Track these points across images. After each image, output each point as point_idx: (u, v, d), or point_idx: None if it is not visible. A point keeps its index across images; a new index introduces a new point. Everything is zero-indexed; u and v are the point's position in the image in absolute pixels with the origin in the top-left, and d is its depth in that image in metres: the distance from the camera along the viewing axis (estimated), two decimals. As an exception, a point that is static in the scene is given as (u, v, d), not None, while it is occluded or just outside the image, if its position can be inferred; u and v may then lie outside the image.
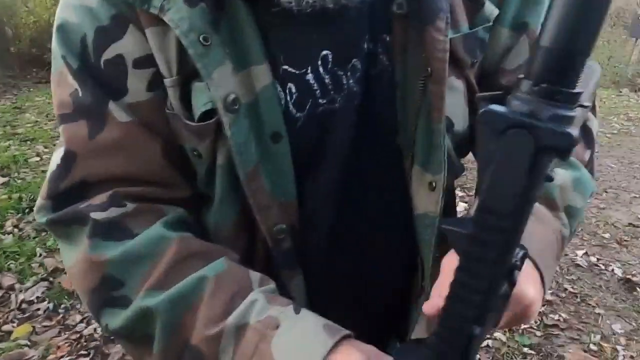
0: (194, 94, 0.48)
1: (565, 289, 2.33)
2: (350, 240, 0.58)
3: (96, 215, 0.48)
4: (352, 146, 0.53)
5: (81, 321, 1.96)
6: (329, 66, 0.49)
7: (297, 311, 0.45)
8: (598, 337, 2.01)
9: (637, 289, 2.39)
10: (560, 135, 0.26)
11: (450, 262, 0.45)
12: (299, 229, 0.53)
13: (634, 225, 3.14)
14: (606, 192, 3.72)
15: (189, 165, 0.52)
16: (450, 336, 0.34)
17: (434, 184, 0.52)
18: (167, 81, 0.48)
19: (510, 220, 0.29)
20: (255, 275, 0.49)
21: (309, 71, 0.49)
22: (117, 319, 0.48)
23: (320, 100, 0.50)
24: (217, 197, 0.51)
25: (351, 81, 0.51)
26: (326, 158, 0.52)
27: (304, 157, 0.51)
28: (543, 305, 2.22)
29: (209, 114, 0.47)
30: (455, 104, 0.52)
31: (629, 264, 2.65)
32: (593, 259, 2.66)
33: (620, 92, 7.52)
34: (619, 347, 1.97)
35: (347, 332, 0.43)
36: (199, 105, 0.47)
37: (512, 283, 0.35)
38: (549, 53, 0.26)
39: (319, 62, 0.49)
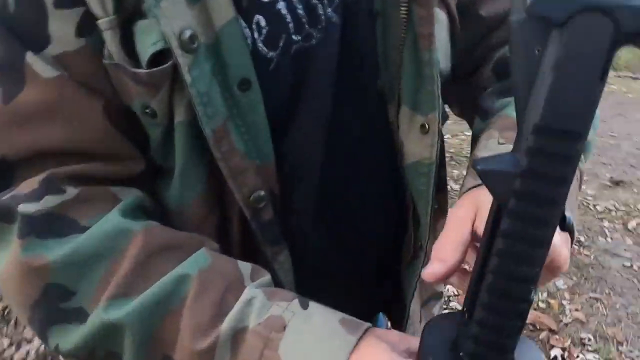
0: (139, 36, 0.37)
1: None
2: (337, 203, 0.50)
3: (27, 207, 0.37)
4: (333, 93, 0.45)
5: (10, 345, 1.75)
6: None
7: (304, 306, 0.37)
8: (545, 294, 2.10)
9: (575, 245, 2.53)
10: None
11: (459, 214, 0.38)
12: (280, 195, 0.45)
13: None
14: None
15: (140, 130, 0.42)
16: (500, 304, 0.26)
17: (426, 125, 0.45)
18: (102, 22, 0.37)
19: (577, 140, 0.22)
20: (245, 267, 0.40)
21: None
22: (71, 337, 0.38)
23: (294, 37, 0.42)
24: (178, 167, 0.41)
25: (329, 10, 0.43)
26: (304, 109, 0.44)
27: (278, 108, 0.42)
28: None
29: (161, 57, 0.37)
30: (437, 39, 0.44)
31: (562, 223, 2.80)
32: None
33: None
34: (564, 302, 2.07)
35: (367, 324, 0.37)
36: (147, 46, 0.37)
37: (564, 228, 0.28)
38: None
39: None
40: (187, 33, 0.36)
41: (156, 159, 0.44)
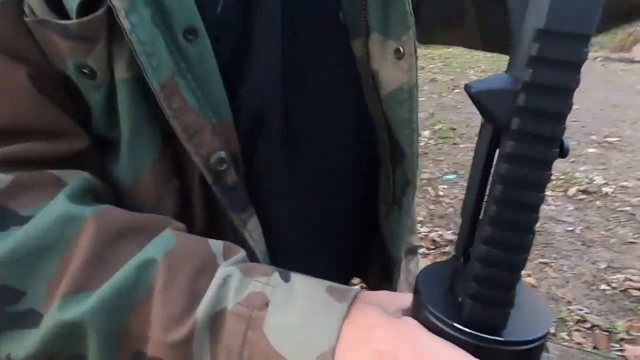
0: None
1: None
2: (304, 156, 0.47)
3: None
4: (287, 33, 0.41)
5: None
6: None
7: (286, 278, 0.34)
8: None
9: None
10: None
11: None
12: (242, 154, 0.41)
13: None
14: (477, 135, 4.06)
15: (77, 99, 0.37)
16: (505, 236, 0.24)
17: (401, 49, 0.42)
18: None
19: (584, 44, 0.20)
20: (217, 245, 0.36)
21: None
22: (25, 343, 0.33)
23: None
24: (125, 133, 0.37)
25: None
26: (256, 56, 0.40)
27: (229, 57, 0.38)
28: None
29: (91, 6, 0.33)
30: None
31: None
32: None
33: (471, 48, 8.27)
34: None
35: (355, 289, 0.34)
36: None
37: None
38: None
39: None
40: None
41: (100, 130, 0.39)
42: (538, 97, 0.21)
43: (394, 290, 0.56)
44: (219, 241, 0.37)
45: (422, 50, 8.90)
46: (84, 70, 0.35)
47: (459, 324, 0.27)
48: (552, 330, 1.78)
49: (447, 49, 8.97)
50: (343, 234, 0.56)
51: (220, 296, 0.32)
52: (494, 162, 0.25)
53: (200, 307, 0.32)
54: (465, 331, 0.27)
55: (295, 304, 0.32)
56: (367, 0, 0.41)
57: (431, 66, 7.31)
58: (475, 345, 0.26)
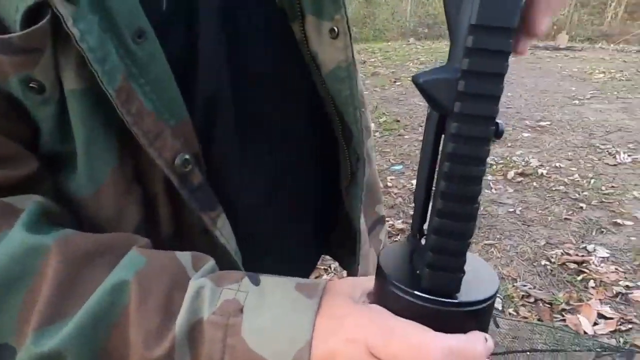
0: None
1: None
2: (261, 141, 0.47)
3: None
4: (231, 21, 0.41)
5: None
6: None
7: (255, 282, 0.35)
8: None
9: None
10: None
11: None
12: (204, 154, 0.41)
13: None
14: (421, 126, 4.18)
15: (22, 119, 0.35)
16: (455, 208, 0.27)
17: (335, 29, 0.43)
18: None
19: (509, 35, 0.24)
20: (185, 257, 0.36)
21: None
22: None
23: None
24: (81, 145, 0.35)
25: None
26: (204, 47, 0.40)
27: (178, 53, 0.38)
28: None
29: (32, 18, 0.31)
30: None
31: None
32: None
33: (409, 41, 8.51)
34: (464, 252, 2.25)
35: (322, 283, 0.35)
36: (14, 2, 0.30)
37: None
38: None
39: None
40: None
41: (51, 146, 0.37)
42: (475, 83, 0.24)
43: (359, 262, 0.58)
44: (187, 253, 0.37)
45: (362, 45, 9.05)
46: (32, 85, 0.33)
47: (420, 292, 0.30)
48: (500, 307, 1.87)
49: (387, 42, 9.15)
50: (310, 213, 0.57)
51: (195, 308, 0.33)
52: (441, 145, 0.28)
53: (177, 321, 0.32)
54: (426, 297, 0.30)
55: (268, 306, 0.33)
56: None
57: (372, 60, 7.44)
58: (436, 309, 0.30)
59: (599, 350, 1.46)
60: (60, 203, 0.38)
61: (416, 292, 0.30)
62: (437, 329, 0.30)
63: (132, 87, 0.34)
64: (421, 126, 4.17)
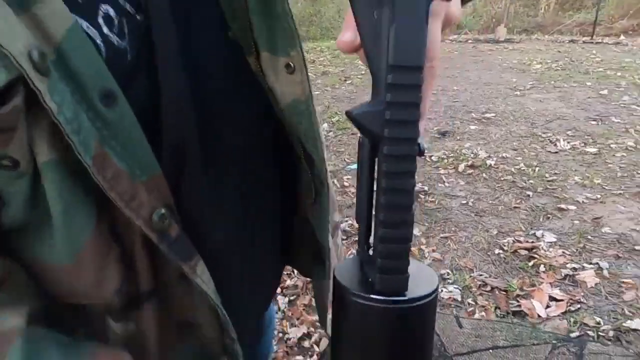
0: None
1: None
2: (228, 177, 0.47)
3: None
4: (192, 63, 0.41)
5: None
6: None
7: None
8: (406, 244, 2.32)
9: (420, 195, 2.83)
10: None
11: None
12: (177, 204, 0.40)
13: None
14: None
15: None
16: (394, 217, 0.32)
17: (291, 64, 0.44)
18: None
19: (419, 71, 0.30)
20: None
21: None
22: None
23: (138, 17, 0.37)
24: (58, 217, 0.34)
25: None
26: (167, 92, 0.39)
27: (143, 103, 0.37)
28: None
29: (5, 92, 0.29)
30: None
31: (407, 177, 3.11)
32: (381, 182, 3.04)
33: (356, 39, 8.58)
34: (422, 247, 2.32)
35: None
36: None
37: None
38: None
39: None
40: (36, 52, 0.29)
41: (17, 219, 0.35)
42: (398, 112, 0.30)
43: (328, 277, 0.60)
44: None
45: (310, 44, 9.06)
46: (4, 162, 0.31)
47: (374, 295, 0.34)
48: (459, 298, 1.94)
49: (334, 40, 9.20)
50: (275, 233, 0.58)
51: None
52: (377, 166, 0.34)
53: None
54: (380, 299, 0.34)
55: None
56: (252, 20, 0.43)
57: (321, 59, 7.48)
58: (390, 308, 0.34)
59: (554, 342, 1.55)
60: (26, 272, 0.37)
61: (372, 296, 0.34)
62: (393, 325, 0.34)
63: (106, 151, 0.33)
64: (373, 124, 4.24)
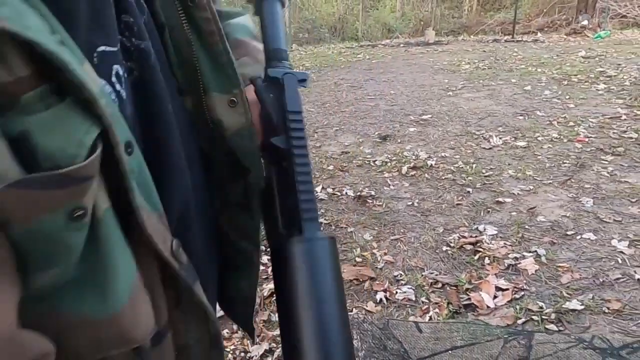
0: (40, 134, 0.29)
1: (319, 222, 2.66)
2: (197, 207, 0.51)
3: None
4: (145, 111, 0.44)
5: None
6: None
7: None
8: (358, 250, 2.37)
9: (368, 200, 2.90)
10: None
11: None
12: (177, 230, 0.44)
13: (345, 153, 3.76)
14: (316, 132, 4.31)
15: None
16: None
17: (234, 99, 0.51)
18: None
19: (301, 113, 0.53)
20: None
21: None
22: None
23: (135, 73, 0.41)
24: (115, 260, 0.35)
25: (135, 40, 0.42)
26: (158, 136, 0.44)
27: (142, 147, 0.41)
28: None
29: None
30: None
31: (354, 183, 3.18)
32: (330, 190, 3.08)
33: (292, 48, 8.66)
34: (374, 251, 2.38)
35: None
36: (73, 135, 0.30)
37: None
38: None
39: None
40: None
41: (65, 276, 0.33)
42: (294, 138, 0.51)
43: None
44: None
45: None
46: (77, 214, 0.31)
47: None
48: (414, 298, 2.02)
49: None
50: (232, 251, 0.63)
51: None
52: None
53: None
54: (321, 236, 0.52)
55: None
56: (199, 67, 0.50)
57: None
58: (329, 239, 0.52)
59: (506, 337, 1.65)
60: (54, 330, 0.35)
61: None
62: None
63: (136, 196, 0.37)
64: (317, 132, 4.30)
